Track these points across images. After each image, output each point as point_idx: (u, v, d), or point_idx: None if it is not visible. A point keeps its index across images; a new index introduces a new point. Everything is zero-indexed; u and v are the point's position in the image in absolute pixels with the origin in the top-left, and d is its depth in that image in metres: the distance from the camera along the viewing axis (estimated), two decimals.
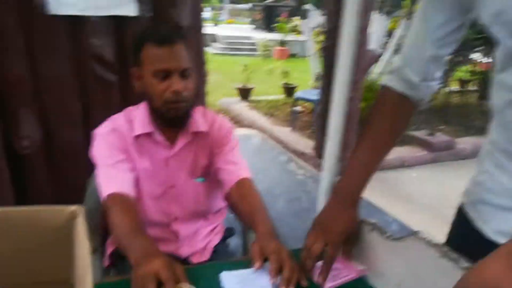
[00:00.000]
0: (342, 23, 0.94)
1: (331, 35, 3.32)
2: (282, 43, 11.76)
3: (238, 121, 5.15)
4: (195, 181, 1.10)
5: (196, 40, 1.88)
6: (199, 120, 1.09)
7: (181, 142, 1.06)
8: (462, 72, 6.48)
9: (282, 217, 2.77)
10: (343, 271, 0.73)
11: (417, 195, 3.29)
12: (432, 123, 4.91)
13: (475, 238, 0.69)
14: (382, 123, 0.79)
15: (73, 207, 0.50)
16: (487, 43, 4.87)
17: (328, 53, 3.39)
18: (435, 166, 3.94)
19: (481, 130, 4.58)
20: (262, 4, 16.65)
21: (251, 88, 5.96)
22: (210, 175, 1.12)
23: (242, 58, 10.81)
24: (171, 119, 1.01)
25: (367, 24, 3.52)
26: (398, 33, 5.22)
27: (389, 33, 5.39)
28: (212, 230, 1.20)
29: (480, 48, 5.29)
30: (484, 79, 6.05)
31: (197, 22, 1.84)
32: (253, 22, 17.22)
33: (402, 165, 3.88)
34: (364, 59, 3.63)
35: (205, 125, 1.10)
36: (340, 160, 1.07)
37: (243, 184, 1.06)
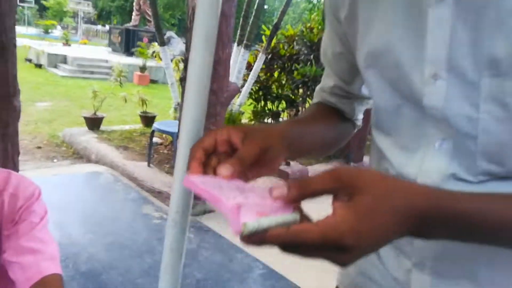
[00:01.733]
0: (190, 55, 0.70)
1: None
2: (142, 68, 11.21)
3: (83, 156, 4.44)
4: None
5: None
6: None
7: None
8: None
9: (129, 278, 2.29)
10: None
11: None
12: None
13: None
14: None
15: None
16: None
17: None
18: None
19: (332, 156, 4.85)
20: (122, 27, 15.83)
21: (103, 117, 5.29)
22: None
23: (96, 82, 9.87)
24: None
25: (227, 57, 3.39)
26: (257, 66, 5.30)
27: (249, 66, 5.45)
28: None
29: None
30: None
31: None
32: (111, 44, 16.17)
33: None
34: (224, 92, 3.48)
35: None
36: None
37: (47, 286, 0.73)
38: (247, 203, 0.37)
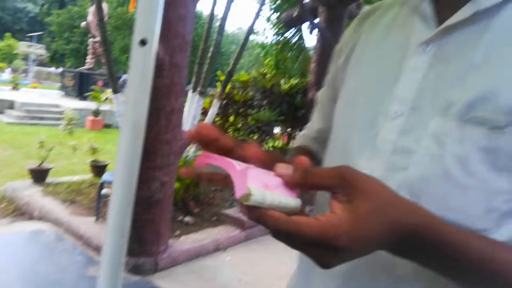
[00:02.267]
0: (125, 108, 0.65)
1: None
2: (96, 112, 10.91)
3: (26, 212, 4.12)
4: None
5: None
6: None
7: None
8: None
9: None
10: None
11: (233, 284, 3.07)
12: None
13: None
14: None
15: None
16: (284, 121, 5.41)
17: None
18: (248, 245, 3.89)
19: None
20: (75, 70, 15.51)
21: (49, 169, 4.99)
22: None
23: (45, 129, 9.45)
24: None
25: (180, 106, 3.34)
26: (212, 111, 5.29)
27: (204, 111, 5.43)
28: None
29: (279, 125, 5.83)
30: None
31: None
32: (63, 88, 15.74)
33: (217, 248, 3.69)
34: (178, 141, 3.40)
35: None
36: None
37: None
38: (255, 173, 0.36)
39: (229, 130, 5.76)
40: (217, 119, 5.55)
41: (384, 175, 0.50)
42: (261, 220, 0.36)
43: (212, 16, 5.18)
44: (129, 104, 0.63)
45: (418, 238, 0.39)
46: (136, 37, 0.60)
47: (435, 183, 0.48)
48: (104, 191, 4.05)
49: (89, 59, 14.94)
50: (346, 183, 0.38)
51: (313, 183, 0.38)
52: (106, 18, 9.25)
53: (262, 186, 0.35)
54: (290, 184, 0.39)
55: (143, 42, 0.60)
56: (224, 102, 5.55)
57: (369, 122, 0.56)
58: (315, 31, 4.62)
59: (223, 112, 5.63)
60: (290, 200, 0.37)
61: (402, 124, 0.52)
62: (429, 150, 0.49)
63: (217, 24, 5.53)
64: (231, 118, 5.75)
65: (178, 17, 2.99)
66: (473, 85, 0.47)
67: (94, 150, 5.52)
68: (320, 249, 0.36)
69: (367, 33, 0.65)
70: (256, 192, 0.34)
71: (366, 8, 0.72)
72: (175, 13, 2.97)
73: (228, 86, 5.45)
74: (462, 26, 0.51)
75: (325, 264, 0.38)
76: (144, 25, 0.61)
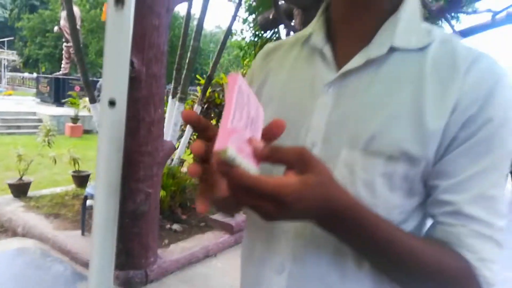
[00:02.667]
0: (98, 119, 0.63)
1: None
2: (75, 119, 10.73)
3: (9, 229, 4.05)
4: None
5: None
6: None
7: None
8: None
9: None
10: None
11: None
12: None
13: None
14: None
15: None
16: None
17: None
18: (237, 249, 3.92)
19: None
20: (50, 76, 15.13)
21: (30, 182, 4.91)
22: None
23: (23, 138, 9.24)
24: None
25: (160, 117, 3.34)
26: None
27: None
28: None
29: None
30: None
31: None
32: (39, 94, 15.36)
33: (207, 254, 3.72)
34: (160, 152, 3.40)
35: None
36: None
37: None
38: (237, 137, 0.42)
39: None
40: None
41: None
42: (229, 173, 0.41)
43: (188, 18, 5.16)
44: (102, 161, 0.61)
45: (343, 214, 0.49)
46: (104, 98, 0.59)
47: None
48: (88, 202, 4.01)
49: (64, 64, 14.61)
50: (303, 160, 0.45)
51: (277, 157, 0.45)
52: (79, 23, 9.04)
53: (237, 149, 0.41)
54: (258, 156, 0.45)
55: (111, 103, 0.59)
56: (206, 106, 5.55)
57: None
58: (292, 33, 4.67)
59: (205, 116, 5.63)
60: (253, 168, 0.43)
61: (318, 153, 0.60)
62: (342, 176, 0.57)
63: (194, 23, 5.49)
64: (214, 122, 5.76)
65: (152, 28, 2.98)
66: (369, 123, 0.57)
67: (75, 161, 5.45)
68: (270, 203, 0.43)
69: (275, 71, 0.72)
70: (231, 152, 0.40)
71: (268, 45, 0.79)
72: (149, 24, 2.96)
73: (209, 90, 5.45)
74: (357, 71, 0.60)
75: (270, 216, 0.45)
76: (111, 86, 0.60)
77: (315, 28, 0.67)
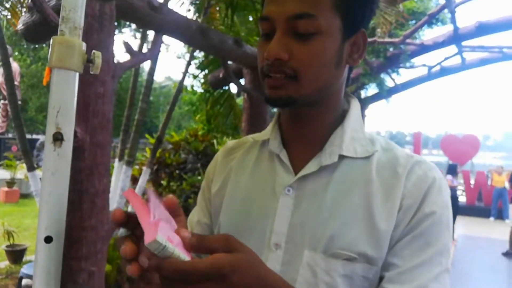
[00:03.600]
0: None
1: None
2: (11, 183, 9.91)
3: None
4: None
5: None
6: None
7: None
8: None
9: None
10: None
11: None
12: None
13: None
14: None
15: None
16: None
17: None
18: None
19: None
20: None
21: None
22: None
23: None
24: None
25: (105, 187, 3.08)
26: (142, 181, 5.02)
27: (134, 179, 5.15)
28: None
29: None
30: None
31: None
32: None
33: None
34: (105, 224, 3.11)
35: None
36: None
37: None
38: (164, 227, 0.43)
39: (164, 194, 5.52)
40: (149, 185, 5.29)
41: None
42: (161, 265, 0.42)
43: (136, 77, 5.04)
44: None
45: None
46: (40, 235, 0.56)
47: None
48: (24, 282, 3.57)
49: (0, 123, 13.73)
50: (230, 245, 0.46)
51: (205, 245, 0.45)
52: (18, 79, 8.66)
53: (167, 239, 0.42)
54: (187, 245, 0.45)
55: (48, 239, 0.56)
56: (155, 167, 5.33)
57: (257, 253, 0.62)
58: (241, 93, 4.69)
59: (155, 178, 5.39)
60: (184, 257, 0.44)
61: (282, 256, 0.63)
62: (305, 278, 0.60)
63: (143, 77, 5.34)
64: (164, 183, 5.51)
65: (96, 95, 2.82)
66: (327, 226, 0.61)
67: (9, 234, 4.91)
68: (210, 281, 0.43)
69: (236, 171, 0.75)
70: (161, 239, 0.40)
71: (228, 144, 0.83)
72: (93, 92, 2.80)
73: (159, 150, 5.26)
74: (313, 175, 0.65)
75: None
76: (49, 219, 0.57)
77: (271, 136, 0.72)
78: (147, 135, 6.03)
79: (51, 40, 0.56)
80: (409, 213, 0.59)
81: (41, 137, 13.69)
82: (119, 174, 4.65)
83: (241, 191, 0.72)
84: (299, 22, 0.59)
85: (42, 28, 2.52)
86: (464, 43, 5.46)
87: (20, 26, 2.63)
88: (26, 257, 4.94)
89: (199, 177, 4.90)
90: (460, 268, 5.81)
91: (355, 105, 0.70)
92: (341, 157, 0.64)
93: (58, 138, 0.55)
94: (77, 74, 0.57)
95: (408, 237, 0.59)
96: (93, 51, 0.58)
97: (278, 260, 0.63)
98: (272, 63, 0.60)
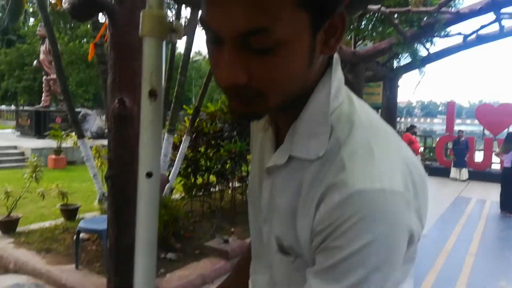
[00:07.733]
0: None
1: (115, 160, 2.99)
2: (58, 151, 10.61)
3: (0, 267, 3.98)
4: None
5: None
6: None
7: None
8: None
9: None
10: None
11: None
12: (224, 227, 5.02)
13: None
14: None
15: None
16: None
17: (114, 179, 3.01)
18: None
19: None
20: (31, 109, 14.94)
21: (18, 218, 4.85)
22: None
23: (6, 173, 9.07)
24: None
25: None
26: (182, 148, 5.34)
27: (175, 146, 5.49)
28: None
29: None
30: None
31: None
32: (19, 128, 15.14)
33: (204, 282, 3.73)
34: None
35: None
36: None
37: None
38: None
39: (201, 160, 5.83)
40: (187, 152, 5.62)
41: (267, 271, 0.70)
42: None
43: (173, 51, 5.30)
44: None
45: None
46: (142, 171, 0.63)
47: (281, 284, 0.66)
48: (80, 236, 3.99)
49: (44, 97, 14.49)
50: None
51: None
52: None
53: None
54: None
55: (149, 175, 0.63)
56: (194, 135, 5.64)
57: (258, 223, 0.71)
58: None
59: (194, 145, 5.71)
60: None
61: (267, 232, 0.67)
62: (278, 261, 0.65)
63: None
64: (202, 149, 5.83)
65: (141, 68, 3.08)
66: (277, 220, 0.63)
67: (63, 195, 5.41)
68: None
69: (254, 142, 0.77)
70: None
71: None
72: (137, 65, 3.05)
73: (197, 120, 5.56)
74: (278, 168, 0.62)
75: None
76: (148, 159, 0.64)
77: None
78: (184, 106, 6.34)
79: (141, 13, 0.63)
80: (321, 236, 0.53)
81: (83, 111, 14.38)
82: (162, 142, 5.01)
83: (254, 163, 0.76)
84: (252, 38, 0.48)
85: (88, 5, 2.68)
86: (502, 10, 5.34)
87: (65, 4, 2.69)
88: (79, 215, 5.43)
89: (235, 144, 5.17)
90: None
91: (327, 79, 0.58)
92: (290, 158, 0.60)
93: (152, 94, 0.62)
94: (164, 41, 0.64)
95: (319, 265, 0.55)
96: (174, 20, 0.65)
97: (265, 233, 0.67)
98: (230, 88, 0.52)
